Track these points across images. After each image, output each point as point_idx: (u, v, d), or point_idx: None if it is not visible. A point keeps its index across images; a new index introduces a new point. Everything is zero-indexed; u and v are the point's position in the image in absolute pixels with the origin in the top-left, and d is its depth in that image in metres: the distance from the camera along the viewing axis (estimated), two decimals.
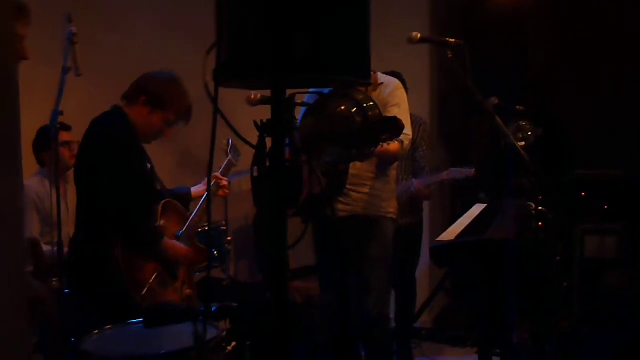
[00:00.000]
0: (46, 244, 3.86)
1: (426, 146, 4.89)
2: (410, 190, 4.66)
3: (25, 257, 2.93)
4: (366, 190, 3.63)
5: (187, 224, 3.43)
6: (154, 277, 3.15)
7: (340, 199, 3.54)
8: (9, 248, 1.78)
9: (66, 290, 3.14)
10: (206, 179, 3.60)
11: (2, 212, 1.74)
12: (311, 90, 2.36)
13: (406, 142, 3.53)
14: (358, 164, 3.41)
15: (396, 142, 3.33)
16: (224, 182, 3.69)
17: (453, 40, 2.79)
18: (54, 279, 3.30)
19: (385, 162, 3.62)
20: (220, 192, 3.71)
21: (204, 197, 3.60)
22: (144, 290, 3.09)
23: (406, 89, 4.73)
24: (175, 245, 3.30)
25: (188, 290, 3.39)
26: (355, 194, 3.61)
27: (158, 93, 3.25)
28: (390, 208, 3.73)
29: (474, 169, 4.53)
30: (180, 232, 3.38)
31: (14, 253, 1.82)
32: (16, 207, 1.88)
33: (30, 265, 3.57)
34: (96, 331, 2.57)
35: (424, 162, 4.86)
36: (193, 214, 3.48)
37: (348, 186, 3.57)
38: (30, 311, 2.09)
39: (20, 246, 2.03)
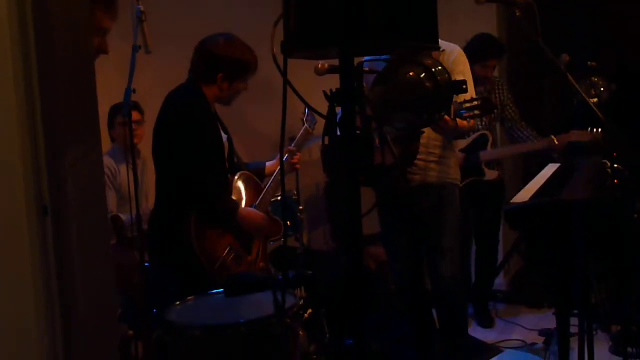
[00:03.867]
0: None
1: (512, 103, 4.84)
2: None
3: (109, 230, 3.02)
4: (434, 158, 3.61)
5: (261, 196, 3.45)
6: (227, 251, 3.19)
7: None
8: (94, 220, 1.85)
9: (146, 264, 3.23)
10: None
11: (87, 187, 1.81)
12: (366, 58, 2.35)
13: None
14: (426, 133, 3.40)
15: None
16: (296, 159, 3.68)
17: None
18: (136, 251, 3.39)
19: (460, 136, 3.60)
20: (293, 165, 3.70)
21: (277, 170, 3.61)
22: (217, 264, 3.14)
23: (496, 50, 4.68)
24: (251, 213, 3.32)
25: (262, 264, 3.43)
26: (423, 163, 3.60)
27: (234, 65, 3.27)
28: (456, 175, 3.71)
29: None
30: (254, 205, 3.41)
31: (98, 225, 1.89)
32: (98, 182, 1.95)
33: (113, 238, 3.67)
34: (178, 302, 2.64)
35: (515, 119, 4.82)
36: (267, 186, 3.49)
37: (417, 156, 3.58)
38: (116, 281, 2.16)
39: (104, 218, 2.11)
